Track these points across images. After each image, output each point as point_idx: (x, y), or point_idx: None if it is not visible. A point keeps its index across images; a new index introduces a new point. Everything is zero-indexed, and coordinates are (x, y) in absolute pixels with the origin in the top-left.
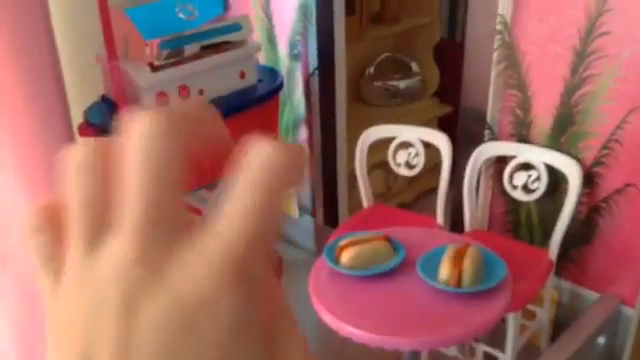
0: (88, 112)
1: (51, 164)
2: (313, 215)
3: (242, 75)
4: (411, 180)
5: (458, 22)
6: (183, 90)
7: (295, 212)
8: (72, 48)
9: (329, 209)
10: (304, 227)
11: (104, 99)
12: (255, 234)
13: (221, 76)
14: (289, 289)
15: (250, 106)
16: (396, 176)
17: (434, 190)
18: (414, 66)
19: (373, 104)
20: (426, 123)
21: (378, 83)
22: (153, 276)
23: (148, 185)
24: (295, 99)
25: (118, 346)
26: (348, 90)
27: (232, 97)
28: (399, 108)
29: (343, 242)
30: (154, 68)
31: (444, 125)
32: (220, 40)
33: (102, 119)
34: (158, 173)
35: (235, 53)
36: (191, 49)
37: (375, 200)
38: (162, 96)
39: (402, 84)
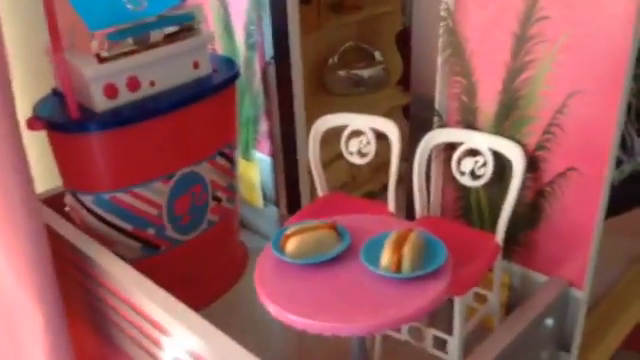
0: (38, 106)
1: None
2: (277, 205)
3: (195, 65)
4: (377, 169)
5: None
6: (132, 81)
7: (260, 202)
8: (22, 41)
9: (293, 199)
10: (269, 217)
11: (55, 92)
12: None
13: (173, 66)
14: (254, 278)
15: (204, 96)
16: (360, 165)
17: (401, 179)
18: (377, 55)
19: (337, 93)
20: (390, 112)
21: (342, 72)
22: None
23: None
24: (254, 89)
25: None
26: (311, 80)
27: (185, 88)
28: (363, 97)
29: (289, 231)
30: (101, 59)
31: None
32: (171, 30)
33: (51, 112)
34: None
35: (187, 43)
36: (140, 39)
37: (342, 189)
38: (111, 87)
39: (366, 73)
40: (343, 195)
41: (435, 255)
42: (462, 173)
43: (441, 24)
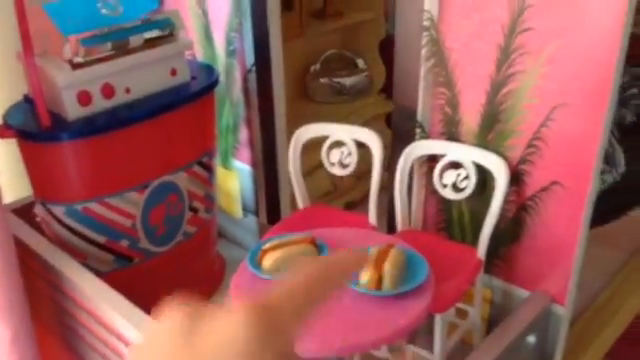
0: (8, 113)
1: None
2: (257, 215)
3: (173, 72)
4: (359, 178)
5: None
6: (107, 88)
7: (239, 212)
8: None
9: (273, 209)
10: (248, 227)
11: (26, 99)
12: (299, 305)
13: (149, 73)
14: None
15: (182, 104)
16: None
17: (383, 188)
18: (360, 62)
19: (319, 101)
20: (373, 120)
21: (324, 80)
22: None
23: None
24: (234, 97)
25: None
26: (294, 87)
27: (162, 95)
28: (346, 105)
29: (267, 245)
30: (74, 66)
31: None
32: (147, 36)
33: (22, 120)
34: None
35: (164, 49)
36: (115, 46)
37: (322, 199)
38: (84, 95)
39: (348, 81)
40: (323, 207)
41: (416, 271)
42: (444, 186)
43: (424, 34)
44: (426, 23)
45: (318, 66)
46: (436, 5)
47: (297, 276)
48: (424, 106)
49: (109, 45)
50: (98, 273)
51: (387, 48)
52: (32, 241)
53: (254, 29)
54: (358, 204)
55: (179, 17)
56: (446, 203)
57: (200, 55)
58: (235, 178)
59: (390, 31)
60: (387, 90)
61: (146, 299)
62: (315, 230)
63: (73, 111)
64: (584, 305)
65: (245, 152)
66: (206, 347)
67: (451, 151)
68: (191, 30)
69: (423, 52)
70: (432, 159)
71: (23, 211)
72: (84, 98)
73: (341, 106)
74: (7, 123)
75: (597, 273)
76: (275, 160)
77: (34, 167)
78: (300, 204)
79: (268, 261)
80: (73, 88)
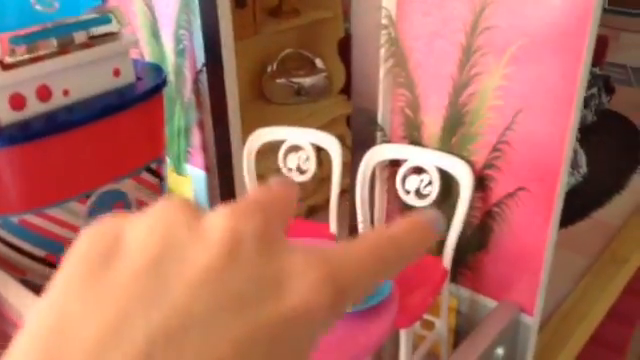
0: None
1: None
2: None
3: (116, 72)
4: (320, 181)
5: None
6: (43, 90)
7: None
8: None
9: None
10: None
11: None
12: (367, 273)
13: (90, 74)
14: None
15: (126, 107)
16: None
17: (345, 193)
18: (319, 62)
19: (277, 102)
20: (334, 122)
21: (281, 80)
22: None
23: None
24: (185, 99)
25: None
26: (249, 87)
27: (105, 97)
28: (304, 106)
29: None
30: (4, 66)
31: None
32: (87, 34)
33: None
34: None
35: (105, 48)
36: (51, 44)
37: None
38: (17, 97)
39: (307, 81)
40: None
41: (380, 285)
42: (407, 191)
43: (382, 32)
44: (384, 21)
45: (275, 66)
46: (394, 1)
47: (365, 242)
48: (384, 108)
49: (43, 44)
50: (38, 289)
51: (346, 48)
52: None
53: (204, 27)
54: (321, 208)
55: (122, 14)
56: (409, 209)
57: (147, 54)
58: (188, 184)
59: (349, 30)
60: (347, 91)
61: None
62: None
63: (5, 116)
64: (550, 311)
65: (198, 157)
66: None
67: (413, 156)
68: (136, 28)
69: (382, 52)
70: (394, 164)
71: None
72: (17, 101)
73: (300, 107)
74: None
75: (562, 278)
76: (230, 165)
77: None
78: None
79: None
80: (4, 90)
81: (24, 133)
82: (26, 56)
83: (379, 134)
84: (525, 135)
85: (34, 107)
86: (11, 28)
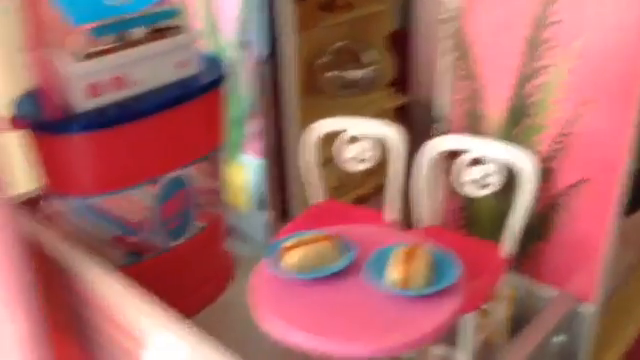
0: (19, 104)
1: None
2: (267, 210)
3: (181, 64)
4: (368, 173)
5: (413, 9)
6: (116, 80)
7: (248, 206)
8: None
9: (282, 203)
10: (257, 222)
11: (31, 91)
12: None
13: (158, 65)
14: (242, 287)
15: (191, 97)
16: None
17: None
18: (369, 55)
19: (327, 94)
20: (382, 114)
21: (332, 73)
22: None
23: None
24: (243, 89)
25: None
26: (301, 79)
27: (171, 88)
28: (354, 99)
29: (287, 243)
30: (84, 57)
31: (401, 116)
32: (155, 27)
33: (32, 112)
34: None
35: (172, 41)
36: (123, 36)
37: (332, 194)
38: (93, 86)
39: (357, 74)
40: (337, 203)
41: (445, 271)
42: (466, 182)
43: (445, 26)
44: (447, 15)
45: (326, 59)
46: None
47: None
48: (444, 100)
49: (117, 36)
50: (110, 267)
51: (398, 41)
52: (42, 236)
53: (265, 20)
54: (367, 199)
55: (185, 8)
56: (468, 200)
57: (207, 46)
58: (244, 172)
59: (403, 23)
60: (398, 83)
61: (155, 294)
62: (334, 227)
63: (83, 103)
64: (607, 299)
65: (255, 146)
66: None
67: (475, 147)
68: (197, 21)
69: (444, 45)
70: (453, 154)
71: (29, 205)
72: (94, 90)
73: (349, 99)
74: (19, 115)
75: (613, 270)
76: (284, 154)
77: (44, 160)
78: (313, 199)
79: (292, 258)
80: (83, 80)
81: (100, 119)
82: (102, 47)
83: (438, 125)
84: (589, 127)
85: (108, 96)
86: (87, 20)
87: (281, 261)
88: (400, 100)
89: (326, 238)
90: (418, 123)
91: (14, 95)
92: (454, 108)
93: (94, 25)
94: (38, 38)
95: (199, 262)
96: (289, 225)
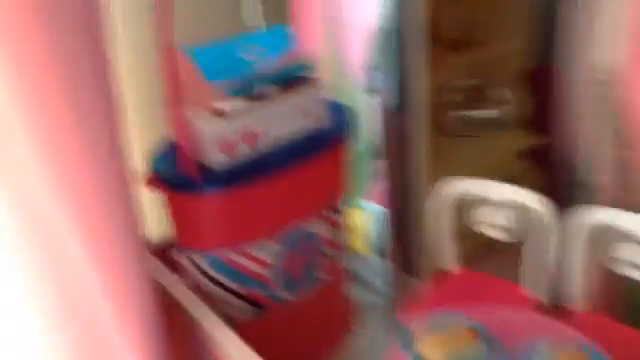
0: (155, 161)
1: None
2: (385, 256)
3: (310, 116)
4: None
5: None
6: (249, 138)
7: (368, 252)
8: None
9: (404, 253)
10: (374, 268)
11: (169, 146)
12: None
13: (289, 119)
14: (364, 333)
15: (320, 148)
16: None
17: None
18: (499, 94)
19: (451, 134)
20: (511, 156)
21: (458, 112)
22: None
23: None
24: (369, 136)
25: None
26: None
27: (300, 140)
28: (480, 139)
29: (420, 334)
30: (220, 115)
31: (534, 158)
32: (286, 81)
33: (168, 170)
34: None
35: (303, 95)
36: (257, 92)
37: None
38: (228, 144)
39: (484, 113)
40: (472, 274)
41: None
42: (622, 262)
43: (599, 88)
44: (603, 77)
45: (452, 97)
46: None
47: None
48: (595, 166)
49: (251, 92)
50: (234, 322)
51: (538, 79)
52: (167, 279)
53: (395, 66)
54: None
55: (314, 60)
56: (624, 282)
57: (333, 93)
58: (365, 218)
59: (541, 60)
60: (531, 123)
61: (280, 346)
62: (472, 313)
63: (219, 161)
64: None
65: (377, 192)
66: None
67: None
68: (324, 68)
69: (596, 107)
70: (602, 229)
71: (157, 252)
72: (229, 148)
73: (475, 140)
74: (156, 174)
75: None
76: (407, 203)
77: (177, 215)
78: (440, 264)
79: (431, 349)
80: (219, 137)
81: (236, 177)
82: (234, 103)
83: (584, 192)
84: None
85: (242, 153)
86: (224, 77)
87: (418, 349)
88: (531, 141)
89: (469, 333)
90: (554, 166)
91: (147, 150)
92: (607, 175)
93: (228, 83)
94: (177, 95)
95: (322, 312)
96: (423, 300)
